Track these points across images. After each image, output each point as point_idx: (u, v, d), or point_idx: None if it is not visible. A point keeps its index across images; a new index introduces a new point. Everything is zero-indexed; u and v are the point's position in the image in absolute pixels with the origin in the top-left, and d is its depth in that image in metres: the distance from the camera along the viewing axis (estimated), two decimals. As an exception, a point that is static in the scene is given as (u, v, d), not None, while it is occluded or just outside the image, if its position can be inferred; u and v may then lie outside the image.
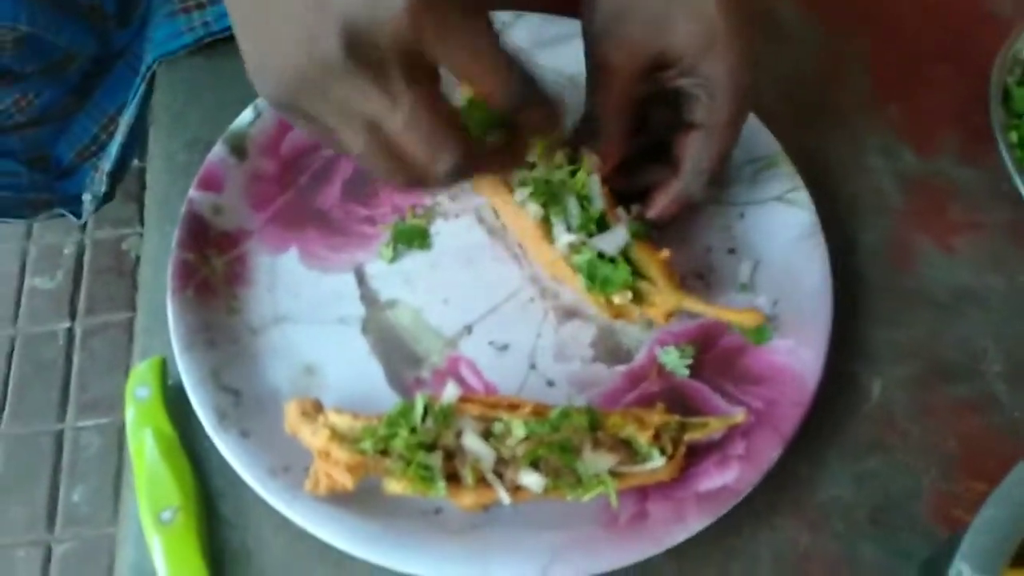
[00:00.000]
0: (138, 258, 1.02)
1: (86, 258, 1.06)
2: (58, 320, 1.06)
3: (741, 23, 0.42)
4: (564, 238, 0.45)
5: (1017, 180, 0.50)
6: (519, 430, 0.39)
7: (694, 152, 0.45)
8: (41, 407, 1.02)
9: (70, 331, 1.03)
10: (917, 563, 0.40)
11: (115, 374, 1.01)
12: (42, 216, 0.66)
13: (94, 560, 0.93)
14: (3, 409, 1.02)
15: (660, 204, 0.47)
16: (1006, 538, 0.27)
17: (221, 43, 0.55)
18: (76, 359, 1.02)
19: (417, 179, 0.36)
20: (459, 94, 0.42)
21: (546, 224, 0.45)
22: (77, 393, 1.00)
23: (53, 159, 0.66)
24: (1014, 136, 0.53)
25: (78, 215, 0.67)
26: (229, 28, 0.54)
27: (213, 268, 0.47)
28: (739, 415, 0.42)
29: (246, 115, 0.51)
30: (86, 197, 0.65)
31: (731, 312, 0.44)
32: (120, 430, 0.97)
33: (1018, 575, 0.36)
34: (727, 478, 0.41)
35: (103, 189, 0.64)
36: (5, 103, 0.60)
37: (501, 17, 0.56)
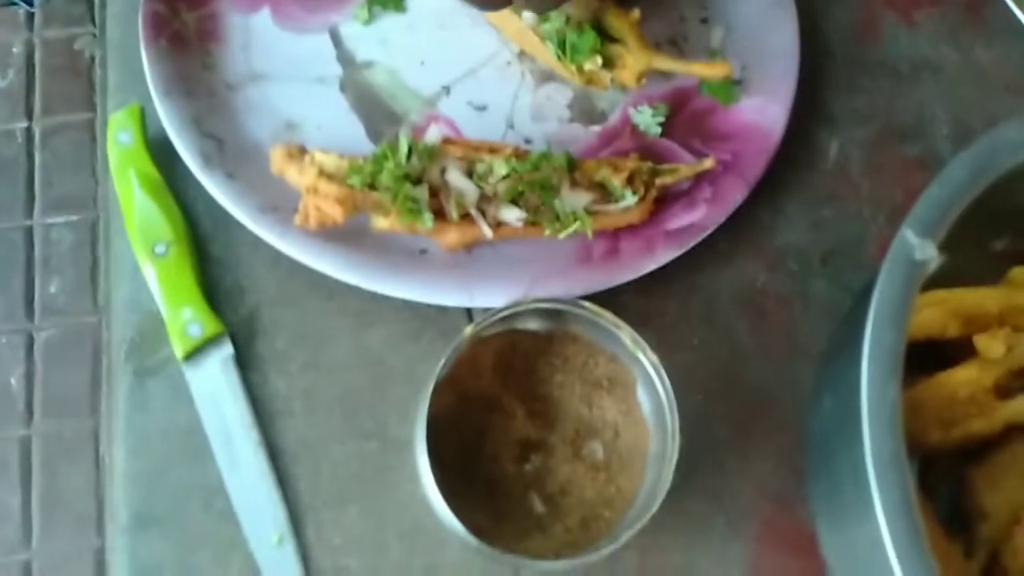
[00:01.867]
0: (92, 58, 0.99)
1: (37, 57, 1.01)
2: (15, 119, 1.03)
3: None
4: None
5: (980, -43, 0.51)
6: (501, 168, 0.41)
7: None
8: (7, 204, 1.01)
9: (28, 130, 1.00)
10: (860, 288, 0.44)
11: (80, 173, 1.00)
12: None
13: (77, 345, 0.96)
14: None
15: None
16: (946, 208, 0.30)
17: None
18: (38, 158, 1.00)
19: None
20: None
21: None
22: (43, 190, 0.99)
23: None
24: (982, -86, 0.54)
25: (30, 3, 0.64)
26: None
27: (184, 21, 0.46)
28: (708, 161, 0.44)
29: None
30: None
31: (700, 66, 0.46)
32: (92, 226, 0.97)
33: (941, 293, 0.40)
34: (694, 217, 0.44)
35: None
36: None
37: None
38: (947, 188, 0.30)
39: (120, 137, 0.42)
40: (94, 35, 0.94)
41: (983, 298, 0.40)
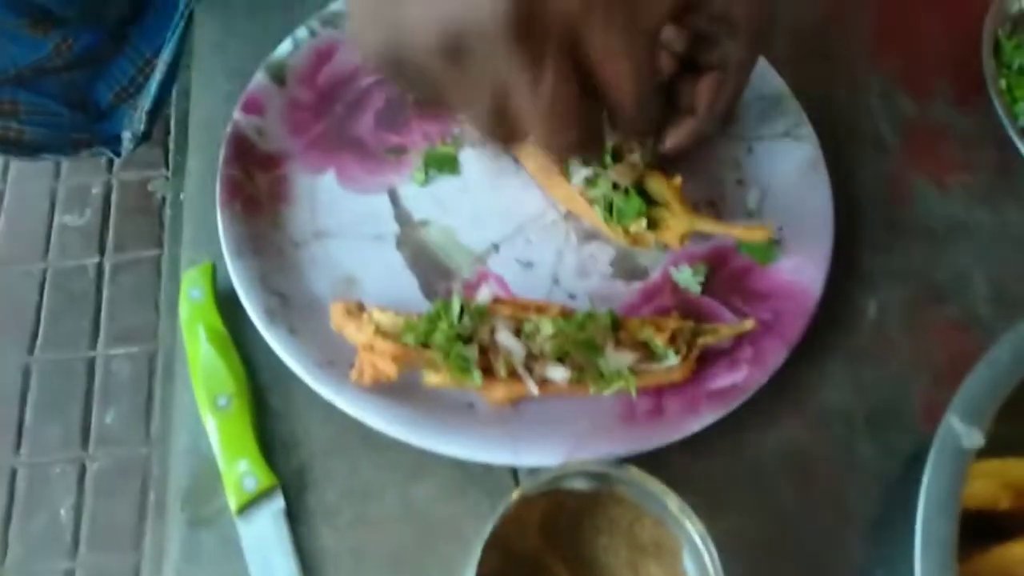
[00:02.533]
0: (163, 199, 1.06)
1: (113, 198, 1.10)
2: (88, 255, 1.10)
3: None
4: (580, 173, 0.48)
5: (1006, 124, 0.54)
6: (547, 328, 0.43)
7: (711, 92, 0.47)
8: (74, 336, 1.06)
9: (99, 266, 1.07)
10: (907, 455, 0.44)
11: (144, 307, 1.05)
12: (84, 154, 0.69)
13: (128, 476, 0.97)
14: (37, 336, 1.05)
15: (675, 138, 0.50)
16: (991, 395, 0.31)
17: (257, -20, 0.58)
18: (106, 292, 1.05)
19: (512, 140, 0.36)
20: None
21: (561, 161, 0.49)
22: (108, 323, 1.04)
23: (92, 101, 0.68)
24: (1003, 84, 0.57)
25: (117, 153, 0.70)
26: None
27: (257, 185, 0.50)
28: (748, 323, 0.45)
29: (285, 46, 0.54)
30: (125, 135, 0.68)
31: (741, 228, 0.48)
32: (151, 358, 1.01)
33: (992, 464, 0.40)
34: (736, 378, 0.44)
35: (142, 127, 0.67)
36: (46, 48, 0.63)
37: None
38: (991, 372, 0.31)
39: (192, 293, 0.45)
40: (167, 177, 1.02)
41: (1034, 469, 0.40)
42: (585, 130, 0.35)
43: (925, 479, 0.29)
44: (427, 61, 0.32)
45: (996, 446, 0.34)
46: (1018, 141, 0.53)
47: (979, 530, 0.39)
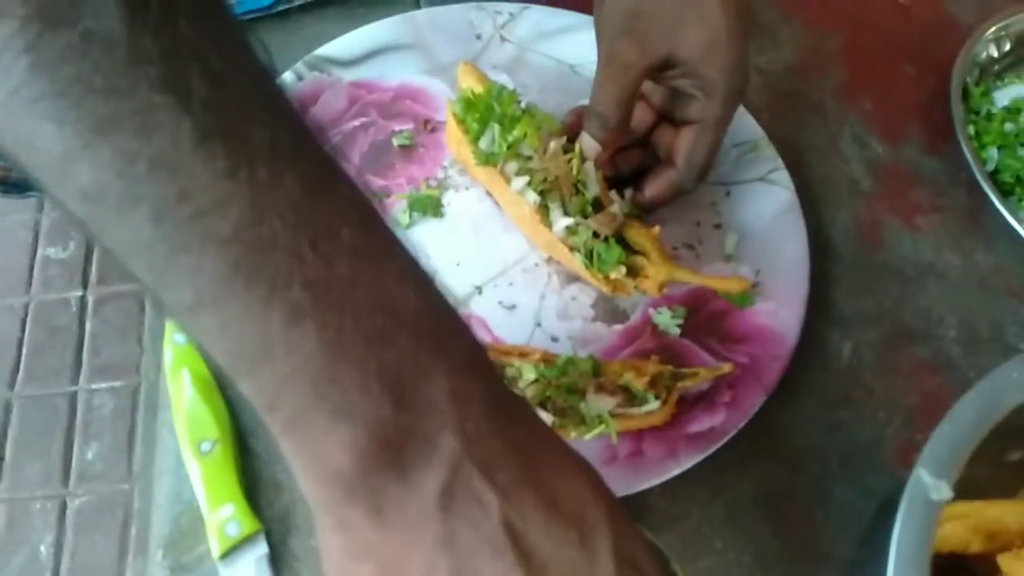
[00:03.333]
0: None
1: None
2: (71, 288, 1.09)
3: (740, 31, 0.45)
4: (561, 222, 0.48)
5: (974, 169, 0.56)
6: (530, 373, 0.43)
7: (688, 146, 0.48)
8: (56, 370, 1.05)
9: (82, 299, 1.06)
10: (881, 501, 0.45)
11: (127, 341, 1.04)
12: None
13: (109, 513, 0.96)
14: (18, 371, 1.04)
15: (654, 190, 0.51)
16: (958, 449, 0.32)
17: (245, 24, 0.59)
18: (89, 325, 1.05)
19: None
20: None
21: (543, 209, 0.49)
22: (90, 357, 1.03)
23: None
24: (972, 130, 0.59)
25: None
26: (249, 12, 0.58)
27: (243, 228, 0.50)
28: (726, 366, 0.46)
29: (272, 90, 0.55)
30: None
31: (718, 280, 0.49)
32: (133, 392, 1.00)
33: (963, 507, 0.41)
34: (715, 421, 0.45)
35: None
36: None
37: (508, 8, 0.60)
38: (957, 427, 0.32)
39: (177, 338, 0.45)
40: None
41: (1003, 513, 0.41)
42: None
43: (895, 533, 0.30)
44: None
45: (967, 487, 0.35)
46: (986, 185, 0.55)
47: (951, 573, 0.40)
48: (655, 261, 0.48)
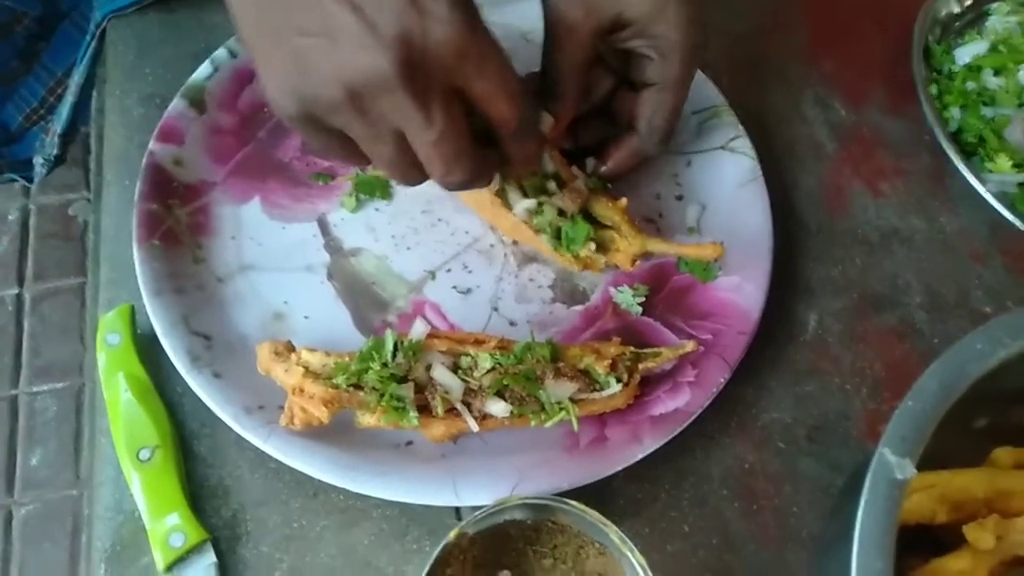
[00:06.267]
0: (86, 223, 1.00)
1: (31, 224, 1.04)
2: (6, 286, 1.04)
3: None
4: (522, 204, 0.46)
5: (937, 130, 0.54)
6: (486, 362, 0.41)
7: (648, 109, 0.46)
8: None
9: (19, 297, 1.01)
10: (848, 475, 0.44)
11: (68, 339, 1.00)
12: (-7, 182, 0.65)
13: (57, 521, 0.92)
14: None
15: (617, 159, 0.48)
16: (922, 425, 0.31)
17: (172, -2, 0.55)
18: (27, 324, 1.00)
19: (421, 179, 0.39)
20: None
21: (502, 192, 0.47)
22: (30, 358, 0.99)
23: (0, 124, 0.64)
24: (934, 89, 0.58)
25: (29, 179, 0.66)
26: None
27: (177, 218, 0.47)
28: (689, 344, 0.45)
29: (203, 69, 0.51)
30: (37, 160, 0.64)
31: (693, 247, 0.47)
32: (77, 394, 0.96)
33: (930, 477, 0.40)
34: (679, 402, 0.44)
35: (55, 151, 0.64)
36: None
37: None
38: (920, 402, 0.31)
39: (109, 339, 0.42)
40: (88, 200, 0.97)
41: (969, 483, 0.40)
42: (473, 166, 0.37)
43: (859, 513, 0.29)
44: (336, 115, 0.35)
45: (933, 456, 0.34)
46: (948, 147, 0.53)
47: (917, 544, 0.39)
48: (626, 234, 0.46)
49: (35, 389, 0.98)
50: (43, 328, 1.01)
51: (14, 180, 0.66)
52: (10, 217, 1.02)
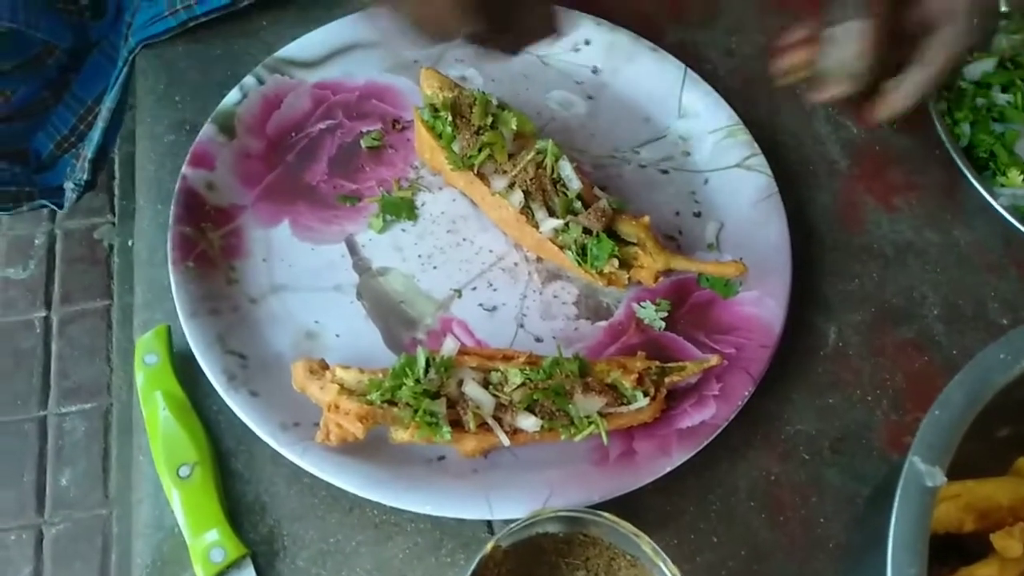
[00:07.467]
0: (111, 247, 1.02)
1: (58, 248, 1.06)
2: (34, 309, 1.06)
3: None
4: (549, 223, 0.47)
5: (948, 145, 0.55)
6: (516, 377, 0.42)
7: (934, 50, 0.43)
8: (23, 395, 1.02)
9: (46, 320, 1.02)
10: (872, 485, 0.45)
11: (95, 360, 1.01)
12: (24, 208, 0.67)
13: (87, 540, 0.93)
14: None
15: (904, 92, 0.44)
16: (949, 434, 0.32)
17: (202, 27, 0.57)
18: (55, 347, 1.01)
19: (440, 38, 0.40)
20: None
21: (527, 210, 0.48)
22: (58, 380, 1.00)
23: (32, 152, 0.66)
24: (943, 106, 0.59)
25: (60, 205, 0.67)
26: (211, 12, 0.56)
27: (210, 241, 0.49)
28: (714, 358, 0.46)
29: (232, 95, 0.53)
30: (68, 186, 0.66)
31: (715, 265, 0.48)
32: (105, 414, 0.97)
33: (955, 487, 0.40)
34: (704, 415, 0.45)
35: (85, 177, 0.65)
36: None
37: None
38: (947, 412, 0.32)
39: (147, 359, 0.43)
40: (113, 224, 0.99)
41: (993, 491, 0.41)
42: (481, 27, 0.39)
43: (892, 520, 0.30)
44: None
45: (959, 465, 0.34)
46: (960, 161, 0.54)
47: (945, 552, 0.39)
48: (650, 250, 0.47)
49: (63, 410, 0.99)
50: (70, 350, 1.03)
51: (45, 206, 0.68)
52: (37, 242, 1.04)
